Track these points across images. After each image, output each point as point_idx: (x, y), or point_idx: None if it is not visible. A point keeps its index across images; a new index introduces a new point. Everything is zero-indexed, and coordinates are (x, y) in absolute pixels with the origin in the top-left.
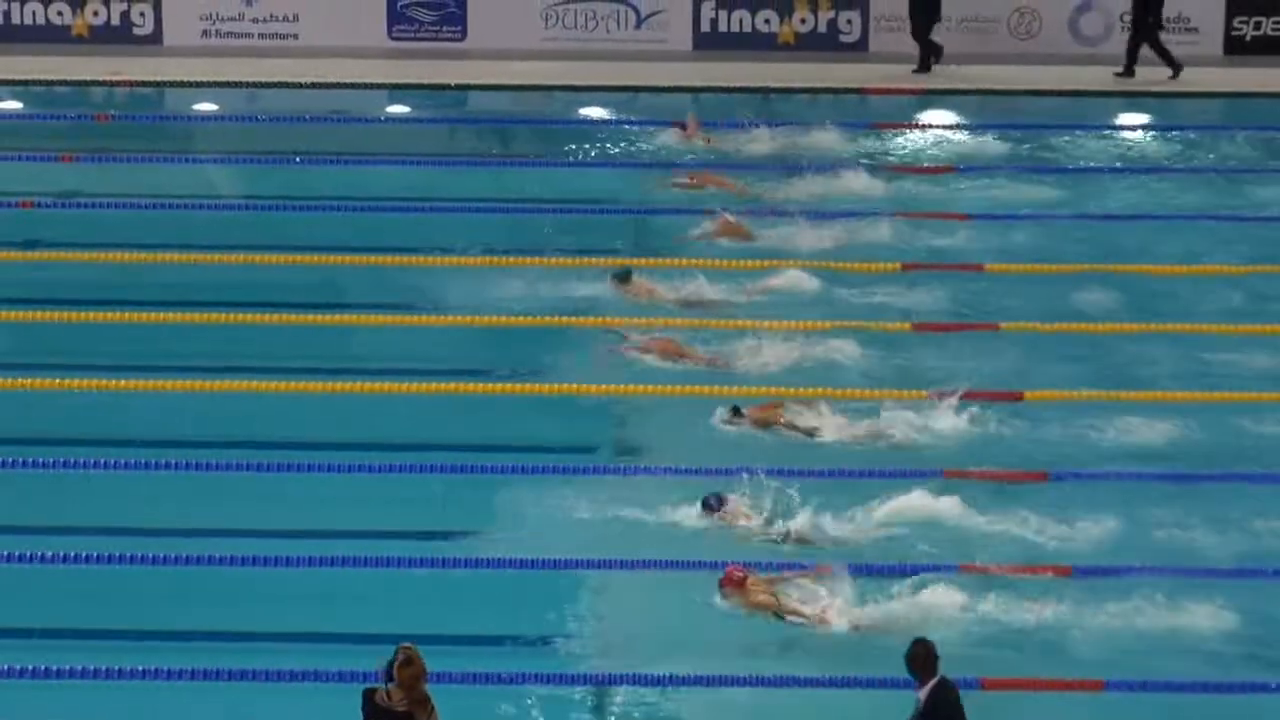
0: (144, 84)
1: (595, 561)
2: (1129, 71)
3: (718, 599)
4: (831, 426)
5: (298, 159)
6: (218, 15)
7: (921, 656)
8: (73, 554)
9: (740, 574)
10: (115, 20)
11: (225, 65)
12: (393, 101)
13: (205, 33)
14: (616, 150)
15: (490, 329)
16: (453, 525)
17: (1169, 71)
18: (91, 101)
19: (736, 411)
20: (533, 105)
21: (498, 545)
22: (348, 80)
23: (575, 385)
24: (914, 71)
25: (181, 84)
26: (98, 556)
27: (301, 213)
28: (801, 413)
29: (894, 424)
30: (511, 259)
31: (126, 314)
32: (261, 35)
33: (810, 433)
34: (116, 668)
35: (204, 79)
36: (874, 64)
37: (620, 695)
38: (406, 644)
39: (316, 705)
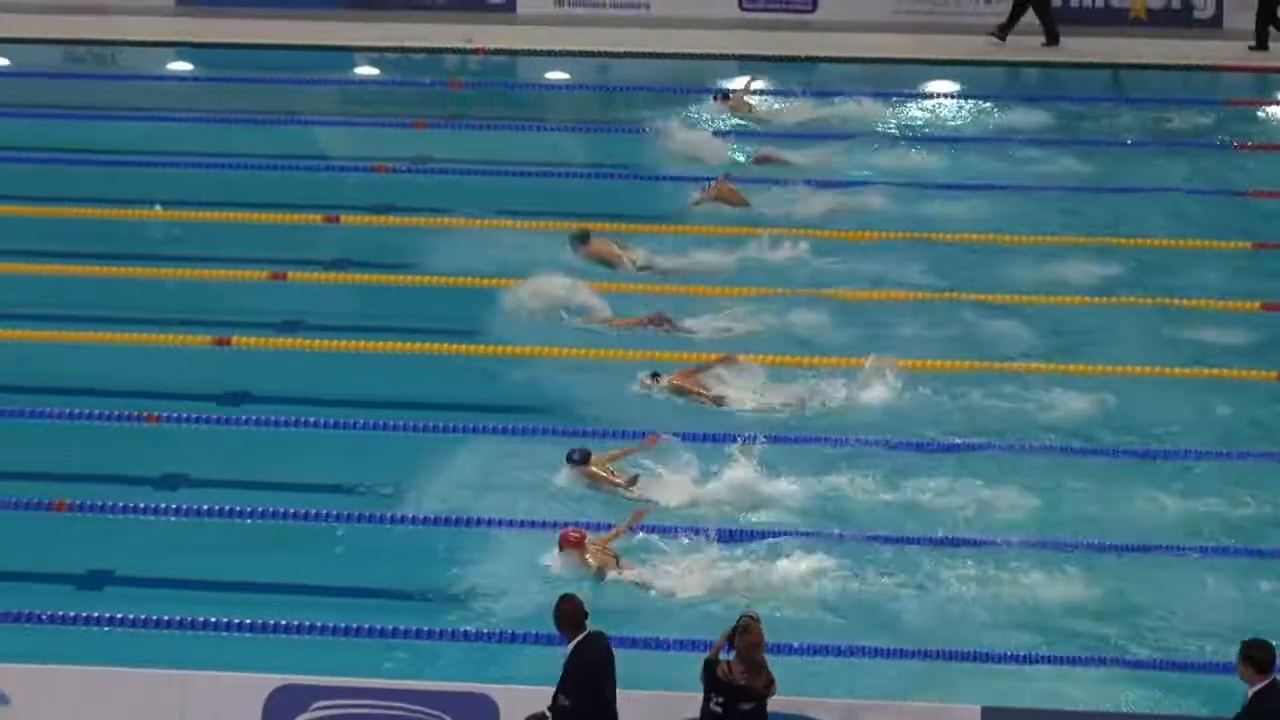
0: (497, 52)
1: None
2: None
3: (555, 556)
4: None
5: (645, 128)
6: None
7: (568, 613)
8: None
9: (576, 534)
10: None
11: (577, 34)
12: (741, 72)
13: (559, 1)
14: (962, 124)
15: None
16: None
17: None
18: (445, 68)
19: (655, 376)
20: (882, 79)
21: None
22: (697, 51)
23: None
24: (1251, 48)
25: (533, 52)
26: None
27: (647, 182)
28: None
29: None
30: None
31: (475, 280)
32: (614, 4)
33: (717, 400)
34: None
35: (556, 47)
36: (1228, 40)
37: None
38: (750, 613)
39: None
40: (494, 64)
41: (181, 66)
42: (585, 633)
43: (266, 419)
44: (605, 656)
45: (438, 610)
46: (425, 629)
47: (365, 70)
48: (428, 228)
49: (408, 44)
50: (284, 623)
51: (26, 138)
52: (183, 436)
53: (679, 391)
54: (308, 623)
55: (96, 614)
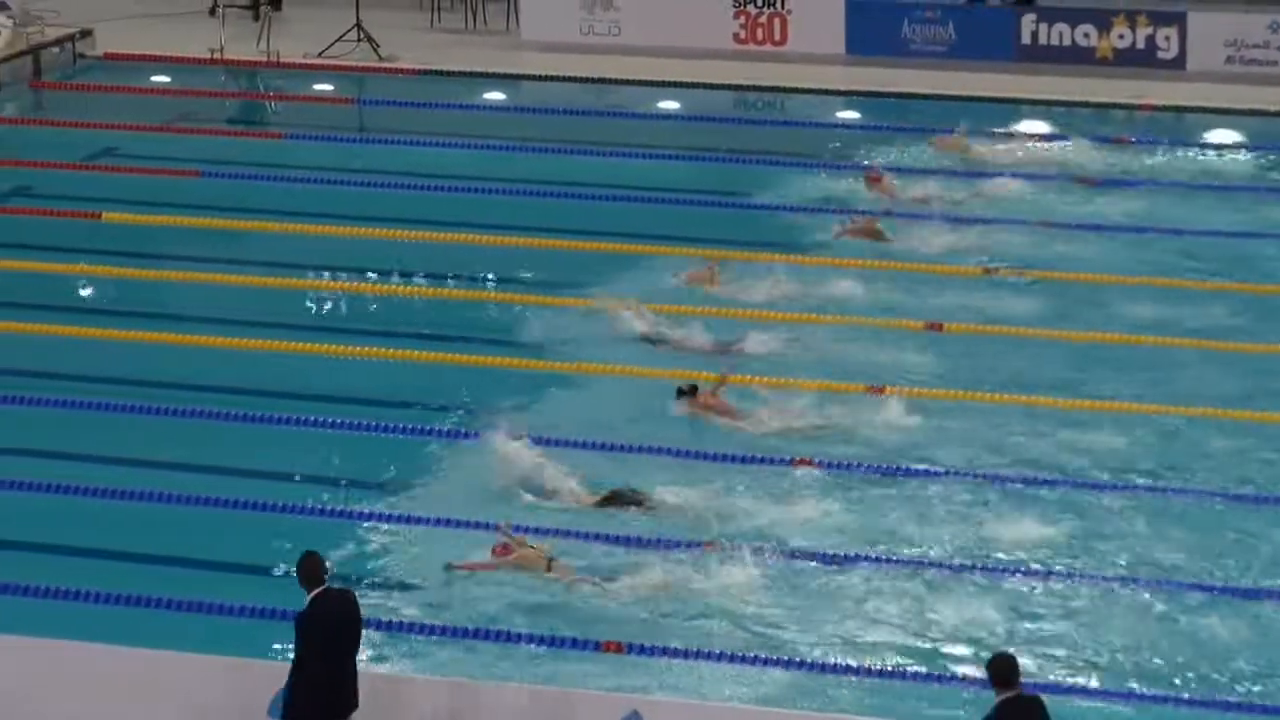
0: (1164, 108)
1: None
2: None
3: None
4: None
5: None
6: (1243, 41)
7: (306, 568)
8: None
9: (501, 548)
10: (1140, 44)
11: (1247, 92)
12: None
13: (1229, 59)
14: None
15: None
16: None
17: None
18: (1112, 124)
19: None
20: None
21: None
22: None
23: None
24: None
25: (1201, 110)
26: None
27: None
28: None
29: None
30: None
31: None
32: None
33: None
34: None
35: (1224, 105)
36: None
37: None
38: None
39: None
40: (1161, 121)
41: (849, 115)
42: (323, 588)
43: None
44: (343, 614)
45: None
46: None
47: (1029, 125)
48: (1079, 283)
49: (1072, 98)
50: None
51: (694, 180)
52: None
53: (702, 410)
54: None
55: None
